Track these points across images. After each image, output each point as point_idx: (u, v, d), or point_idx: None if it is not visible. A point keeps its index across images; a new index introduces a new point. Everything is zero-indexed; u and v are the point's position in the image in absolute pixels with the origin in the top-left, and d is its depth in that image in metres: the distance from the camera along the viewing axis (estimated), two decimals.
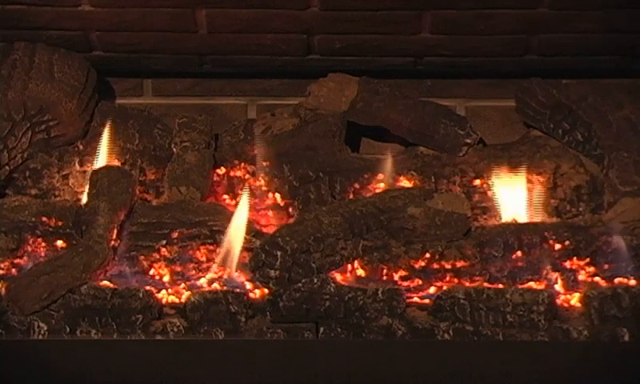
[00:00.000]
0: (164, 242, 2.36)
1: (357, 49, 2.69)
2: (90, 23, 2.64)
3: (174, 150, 2.59)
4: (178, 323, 2.18)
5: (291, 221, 2.44)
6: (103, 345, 2.16)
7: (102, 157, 2.58)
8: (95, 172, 2.47)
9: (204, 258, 2.36)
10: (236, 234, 2.34)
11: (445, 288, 2.25)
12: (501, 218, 2.52)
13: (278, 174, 2.59)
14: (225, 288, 2.26)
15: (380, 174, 2.59)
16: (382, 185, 2.58)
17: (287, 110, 2.74)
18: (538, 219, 2.50)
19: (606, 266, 2.35)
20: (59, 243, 2.36)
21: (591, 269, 2.35)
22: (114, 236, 2.33)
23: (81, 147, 2.63)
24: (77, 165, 2.61)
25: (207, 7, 2.59)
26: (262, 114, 2.76)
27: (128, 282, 2.30)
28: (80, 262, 2.23)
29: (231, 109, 2.85)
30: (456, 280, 2.32)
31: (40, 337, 2.17)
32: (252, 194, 2.52)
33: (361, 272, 2.33)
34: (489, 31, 2.63)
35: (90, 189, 2.43)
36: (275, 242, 2.23)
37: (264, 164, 2.60)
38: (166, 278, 2.35)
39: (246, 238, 2.34)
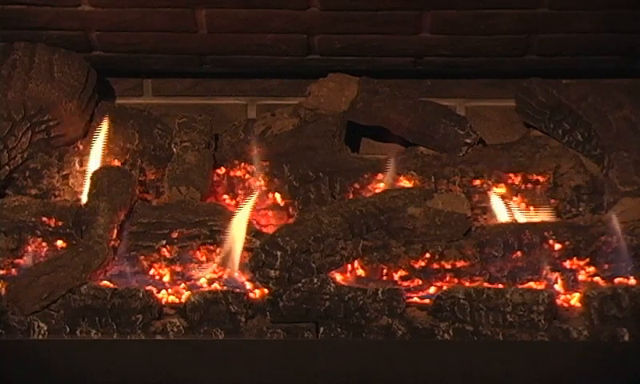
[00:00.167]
0: (164, 242, 2.36)
1: (357, 49, 2.69)
2: (90, 23, 2.64)
3: (174, 149, 2.59)
4: (178, 323, 2.18)
5: (291, 221, 2.44)
6: (103, 345, 2.16)
7: (98, 156, 2.58)
8: (95, 172, 2.47)
9: (204, 258, 2.36)
10: (237, 233, 2.34)
11: (445, 288, 2.25)
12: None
13: (278, 173, 2.59)
14: (225, 288, 2.27)
15: (380, 174, 2.59)
16: (381, 185, 2.58)
17: (287, 110, 2.74)
18: (537, 219, 2.50)
19: (606, 266, 2.35)
20: (59, 243, 2.36)
21: (591, 269, 2.35)
22: (114, 236, 2.33)
23: (81, 147, 2.63)
24: (77, 165, 2.61)
25: (207, 7, 2.59)
26: (262, 114, 2.76)
27: (128, 282, 2.30)
28: (80, 262, 2.23)
29: (231, 109, 2.85)
30: (456, 280, 2.32)
31: (40, 337, 2.17)
32: (255, 194, 2.52)
33: (361, 272, 2.33)
34: (489, 31, 2.63)
35: (90, 189, 2.43)
36: (275, 242, 2.23)
37: (264, 164, 2.60)
38: (166, 278, 2.35)
39: (246, 238, 2.34)
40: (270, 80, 2.85)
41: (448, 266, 2.33)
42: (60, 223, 2.37)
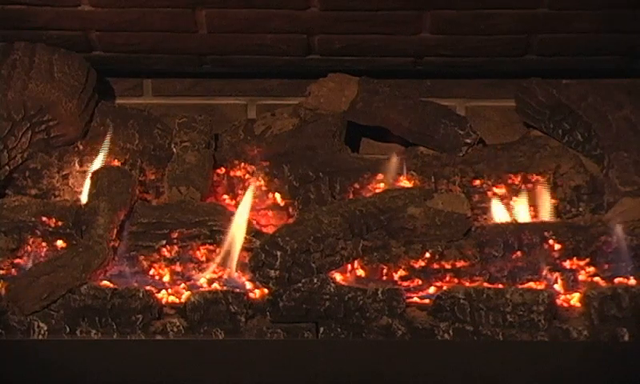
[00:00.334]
0: (164, 242, 2.36)
1: (357, 49, 2.69)
2: (90, 23, 2.64)
3: (174, 149, 2.59)
4: (178, 323, 2.18)
5: (291, 221, 2.44)
6: (103, 345, 2.16)
7: (98, 157, 2.59)
8: (95, 172, 2.47)
9: (204, 258, 2.36)
10: (237, 232, 2.34)
11: (445, 288, 2.25)
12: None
13: (278, 174, 2.59)
14: (225, 288, 2.27)
15: (380, 174, 2.59)
16: (382, 185, 2.58)
17: (287, 110, 2.74)
18: (537, 219, 2.50)
19: (606, 266, 2.35)
20: (59, 243, 2.36)
21: (591, 269, 2.35)
22: (114, 236, 2.33)
23: (81, 147, 2.63)
24: (77, 165, 2.61)
25: (207, 7, 2.59)
26: (262, 114, 2.76)
27: (128, 282, 2.30)
28: (80, 262, 2.23)
29: (231, 109, 2.85)
30: (456, 280, 2.32)
31: (40, 337, 2.17)
32: (255, 194, 2.52)
33: (361, 272, 2.33)
34: (489, 31, 2.63)
35: (90, 189, 2.43)
36: (275, 242, 2.23)
37: (264, 164, 2.60)
38: (166, 278, 2.35)
39: (245, 238, 2.34)
40: (269, 80, 2.85)
41: (448, 266, 2.33)
42: (60, 223, 2.37)
